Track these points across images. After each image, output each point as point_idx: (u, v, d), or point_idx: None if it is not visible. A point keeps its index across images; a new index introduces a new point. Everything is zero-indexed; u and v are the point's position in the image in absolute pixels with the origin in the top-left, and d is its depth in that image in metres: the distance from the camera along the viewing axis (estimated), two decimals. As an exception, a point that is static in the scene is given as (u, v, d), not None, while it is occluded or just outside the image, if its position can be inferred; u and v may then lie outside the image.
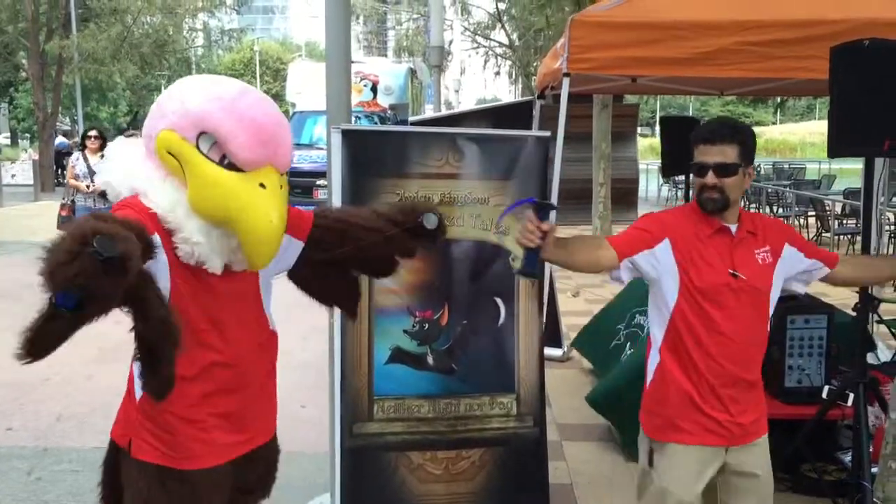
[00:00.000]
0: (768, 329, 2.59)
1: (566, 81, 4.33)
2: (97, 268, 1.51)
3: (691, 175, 2.59)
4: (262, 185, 1.96)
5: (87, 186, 9.19)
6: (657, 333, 2.57)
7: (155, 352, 1.84)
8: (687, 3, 4.37)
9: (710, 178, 2.44)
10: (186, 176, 1.93)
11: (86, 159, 9.32)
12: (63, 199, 9.72)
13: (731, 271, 2.46)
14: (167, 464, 2.03)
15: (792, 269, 2.61)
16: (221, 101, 1.96)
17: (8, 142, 45.76)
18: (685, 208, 2.62)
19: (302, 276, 2.31)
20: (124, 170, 2.00)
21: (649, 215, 2.65)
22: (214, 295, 2.01)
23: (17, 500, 3.98)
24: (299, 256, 2.23)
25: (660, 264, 2.48)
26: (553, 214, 2.40)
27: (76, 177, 9.30)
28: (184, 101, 1.96)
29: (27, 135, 42.51)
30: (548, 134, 3.38)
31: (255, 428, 2.19)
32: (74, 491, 4.05)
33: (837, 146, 3.09)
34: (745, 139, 2.48)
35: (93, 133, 9.58)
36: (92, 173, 9.29)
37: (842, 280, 2.74)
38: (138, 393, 2.04)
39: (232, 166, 1.95)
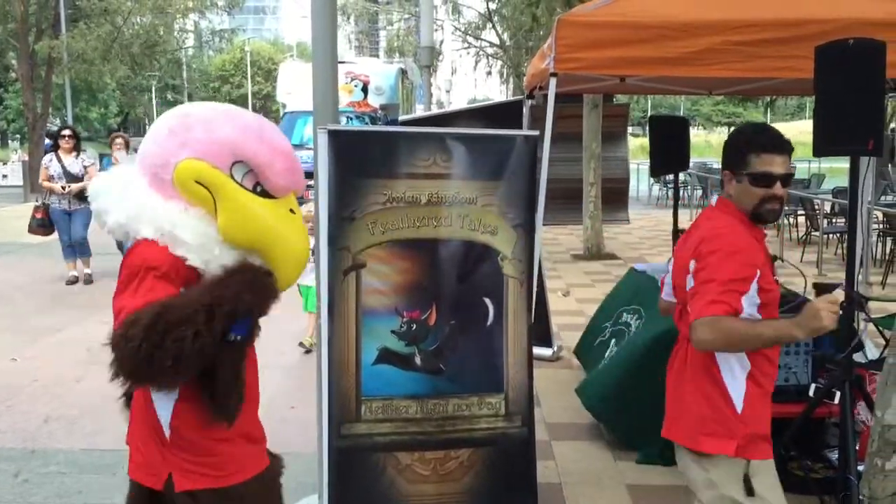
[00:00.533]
0: None
1: (553, 81, 4.33)
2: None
3: (752, 181, 2.40)
4: (291, 211, 2.06)
5: (63, 188, 8.86)
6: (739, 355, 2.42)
7: (228, 384, 1.97)
8: (674, 3, 4.38)
9: (779, 188, 2.38)
10: (219, 205, 1.93)
11: (59, 160, 8.96)
12: (36, 200, 9.35)
13: (775, 277, 2.47)
14: (218, 485, 2.05)
15: None
16: (251, 129, 1.99)
17: (-2, 143, 45.52)
18: (733, 220, 2.45)
19: None
20: (135, 206, 1.96)
21: (734, 262, 2.34)
22: None
23: (4, 501, 3.95)
24: None
25: (751, 296, 2.36)
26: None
27: (50, 178, 8.92)
28: (211, 129, 1.95)
29: (17, 136, 42.31)
30: (536, 133, 3.37)
31: (264, 437, 2.26)
32: (61, 493, 4.03)
33: (822, 145, 3.11)
34: (792, 148, 2.46)
35: (66, 132, 9.21)
36: (67, 174, 8.94)
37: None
38: (166, 431, 2.03)
39: (264, 193, 1.99)
